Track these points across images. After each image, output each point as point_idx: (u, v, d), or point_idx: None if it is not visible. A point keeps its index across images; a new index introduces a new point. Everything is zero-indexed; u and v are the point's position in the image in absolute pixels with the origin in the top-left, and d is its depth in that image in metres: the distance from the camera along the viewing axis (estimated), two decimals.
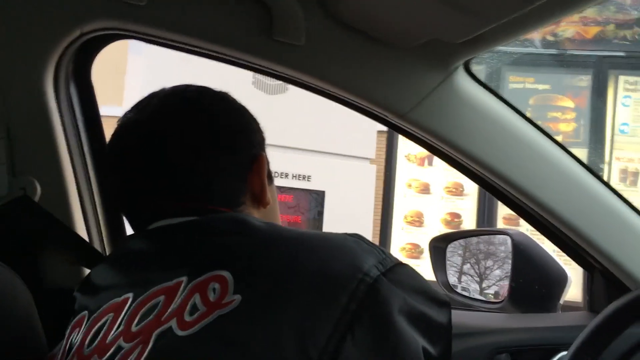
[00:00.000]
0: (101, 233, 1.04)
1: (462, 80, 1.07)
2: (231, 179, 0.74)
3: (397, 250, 4.14)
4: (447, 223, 4.00)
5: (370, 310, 0.59)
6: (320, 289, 0.60)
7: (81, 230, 1.01)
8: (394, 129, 1.12)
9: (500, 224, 3.71)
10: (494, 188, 1.17)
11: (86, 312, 0.70)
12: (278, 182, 3.43)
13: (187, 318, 0.60)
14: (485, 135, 1.09)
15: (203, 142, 0.73)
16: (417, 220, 4.13)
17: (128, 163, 0.74)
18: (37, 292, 0.84)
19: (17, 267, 0.82)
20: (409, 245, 4.09)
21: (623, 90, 3.98)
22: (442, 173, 4.03)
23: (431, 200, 4.15)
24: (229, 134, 0.76)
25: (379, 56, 1.01)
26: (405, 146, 4.03)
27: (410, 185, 4.19)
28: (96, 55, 1.03)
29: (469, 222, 3.93)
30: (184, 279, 0.63)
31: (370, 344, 0.58)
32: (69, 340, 0.69)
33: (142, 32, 0.97)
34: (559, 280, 1.28)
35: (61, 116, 0.99)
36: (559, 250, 1.23)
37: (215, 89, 0.80)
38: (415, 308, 0.62)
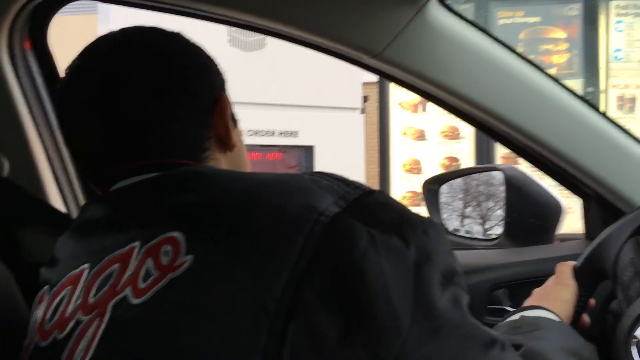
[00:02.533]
0: (78, 201, 1.01)
1: (436, 12, 1.02)
2: (192, 125, 0.68)
3: (398, 198, 4.14)
4: (446, 168, 3.98)
5: (327, 251, 0.55)
6: (274, 237, 0.56)
7: (57, 201, 0.98)
8: (370, 70, 1.09)
9: (500, 163, 3.69)
10: (480, 123, 1.14)
11: (48, 286, 0.68)
12: (265, 140, 3.39)
13: (140, 285, 0.58)
14: (465, 68, 1.05)
15: (158, 87, 0.67)
16: (415, 168, 4.11)
17: (77, 119, 0.69)
18: (18, 268, 0.82)
19: None
20: (409, 193, 4.08)
21: (615, 15, 3.90)
22: (437, 118, 3.98)
23: (428, 147, 4.11)
24: (186, 76, 0.69)
25: None
26: (398, 94, 3.98)
27: (405, 133, 4.15)
28: (49, 20, 0.98)
29: (468, 165, 3.91)
30: (137, 244, 0.60)
31: (329, 286, 0.54)
32: (33, 317, 0.67)
33: None
34: (554, 211, 1.26)
35: (21, 86, 0.95)
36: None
37: (168, 29, 0.73)
38: (382, 240, 0.56)
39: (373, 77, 1.17)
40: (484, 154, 3.84)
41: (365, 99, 4.25)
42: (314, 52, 1.08)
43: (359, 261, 0.55)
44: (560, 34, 3.91)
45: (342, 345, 0.54)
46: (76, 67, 0.70)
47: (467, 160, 4.01)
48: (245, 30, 3.40)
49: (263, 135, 3.41)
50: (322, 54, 1.07)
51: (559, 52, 3.90)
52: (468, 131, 3.95)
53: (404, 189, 4.14)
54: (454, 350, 0.57)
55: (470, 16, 3.88)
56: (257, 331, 0.53)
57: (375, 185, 4.21)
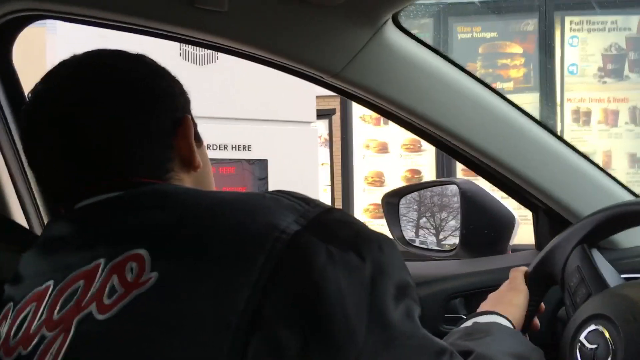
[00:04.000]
0: (42, 218, 1.02)
1: (392, 34, 1.07)
2: (156, 147, 0.70)
3: (361, 211, 4.18)
4: (408, 180, 4.04)
5: (287, 268, 0.57)
6: (236, 254, 0.58)
7: (19, 218, 0.99)
8: (330, 89, 1.12)
9: (460, 176, 3.77)
10: (434, 139, 1.18)
11: (11, 303, 0.68)
12: (218, 154, 3.35)
13: (106, 301, 0.59)
14: (419, 87, 1.09)
15: (120, 109, 0.69)
16: (377, 180, 4.16)
17: (41, 142, 0.70)
18: None
19: None
20: (371, 206, 4.13)
21: (569, 30, 4.03)
22: (399, 131, 4.04)
23: (390, 159, 4.17)
24: (149, 98, 0.71)
25: (305, 16, 1.00)
26: (360, 107, 4.02)
27: (368, 146, 4.20)
28: (14, 39, 1.00)
29: (430, 177, 3.98)
30: (102, 260, 0.61)
31: (290, 302, 0.56)
32: None
33: (58, 10, 0.94)
34: (507, 222, 1.31)
35: None
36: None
37: (131, 52, 0.75)
38: (340, 256, 0.59)
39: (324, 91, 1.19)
40: (444, 167, 3.91)
41: (332, 112, 4.29)
42: (266, 67, 1.10)
43: (318, 277, 0.57)
44: (517, 48, 4.02)
45: (302, 357, 0.56)
46: (39, 90, 0.72)
47: (429, 172, 4.09)
48: None
49: (216, 150, 3.38)
50: (284, 72, 1.11)
51: (516, 67, 4.01)
52: (429, 144, 4.02)
53: (367, 201, 4.19)
54: (407, 359, 0.60)
55: (430, 31, 3.97)
56: (220, 345, 0.55)
57: (338, 197, 4.25)
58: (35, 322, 0.63)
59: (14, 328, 0.65)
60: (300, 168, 3.54)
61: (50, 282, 0.64)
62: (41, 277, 0.66)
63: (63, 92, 0.70)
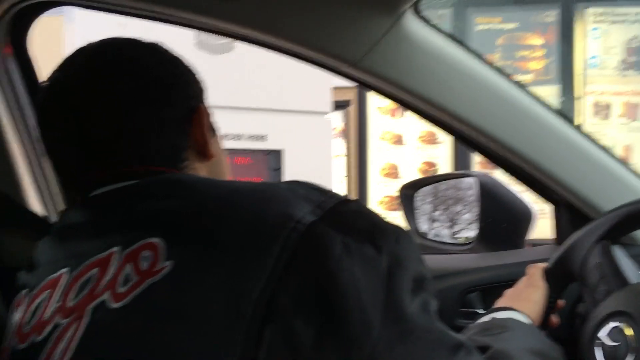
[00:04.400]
0: (57, 206, 1.02)
1: (412, 23, 1.05)
2: (170, 136, 0.70)
3: (376, 203, 4.16)
4: (424, 172, 4.01)
5: (303, 258, 0.57)
6: (251, 244, 0.58)
7: (36, 206, 0.99)
8: (348, 78, 1.11)
9: (476, 169, 3.74)
10: (454, 130, 1.17)
11: (26, 289, 0.69)
12: (232, 144, 3.32)
13: (119, 290, 0.59)
14: (439, 78, 1.08)
15: (135, 98, 0.68)
16: (393, 173, 4.14)
17: (56, 129, 0.70)
18: None
19: None
20: (387, 198, 4.11)
21: (591, 22, 3.97)
22: (415, 123, 4.02)
23: (406, 151, 4.14)
24: (163, 87, 0.70)
25: (324, 4, 0.99)
26: (376, 99, 4.00)
27: (384, 138, 4.18)
28: (30, 25, 0.99)
29: (446, 170, 3.95)
30: (117, 249, 0.61)
31: (304, 292, 0.56)
32: (11, 320, 0.68)
33: None
34: (525, 216, 1.30)
35: (2, 91, 0.96)
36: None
37: (146, 40, 0.74)
38: (356, 248, 0.58)
39: (340, 82, 1.18)
40: (461, 159, 3.88)
41: (347, 103, 4.27)
42: (283, 56, 1.09)
43: (333, 268, 0.57)
44: (537, 40, 3.97)
45: (317, 348, 0.56)
46: (55, 78, 0.72)
47: (445, 165, 4.06)
48: None
49: (231, 139, 3.36)
50: (301, 61, 1.10)
51: (536, 59, 3.96)
52: (445, 136, 3.99)
53: (382, 193, 4.17)
54: (422, 353, 0.59)
55: (448, 22, 3.93)
56: (234, 335, 0.55)
57: (354, 189, 4.24)
58: (49, 309, 0.63)
59: (28, 314, 0.66)
60: (315, 159, 3.51)
61: (65, 270, 0.65)
62: (56, 265, 0.66)
63: (78, 80, 0.70)
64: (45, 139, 0.73)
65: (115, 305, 0.59)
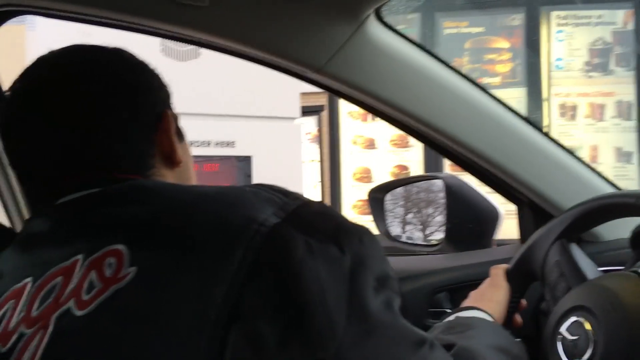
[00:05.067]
0: (22, 216, 1.01)
1: (375, 29, 1.07)
2: (136, 142, 0.70)
3: (349, 207, 4.18)
4: (396, 176, 4.03)
5: (266, 260, 0.58)
6: (215, 247, 0.58)
7: (1, 217, 0.98)
8: (314, 84, 1.12)
9: (448, 172, 3.78)
10: (419, 135, 1.19)
11: None
12: (201, 151, 3.31)
13: (84, 297, 0.58)
14: (403, 83, 1.10)
15: (100, 104, 0.68)
16: (365, 177, 4.15)
17: (21, 139, 0.70)
18: None
19: None
20: (360, 202, 4.13)
21: (556, 25, 4.05)
22: (386, 127, 4.04)
23: (378, 155, 4.17)
24: (128, 92, 0.70)
25: (287, 11, 1.00)
26: (348, 103, 4.01)
27: (355, 142, 4.19)
28: None
29: (418, 173, 3.98)
30: (81, 256, 0.61)
31: (268, 293, 0.57)
32: None
33: (39, 6, 0.93)
34: (492, 217, 1.32)
35: None
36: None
37: (109, 46, 0.74)
38: (319, 249, 0.59)
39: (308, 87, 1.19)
40: (432, 162, 3.91)
41: (320, 108, 4.28)
42: (249, 62, 1.10)
43: (297, 269, 0.57)
44: (504, 43, 4.03)
45: (281, 348, 0.56)
46: (17, 88, 0.71)
47: (417, 168, 4.09)
48: None
49: (199, 146, 3.34)
50: (267, 68, 1.10)
51: (503, 62, 4.02)
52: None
53: (355, 197, 4.19)
54: (386, 349, 0.60)
55: (416, 26, 3.97)
56: (198, 337, 0.55)
57: (327, 193, 4.25)
58: (14, 319, 0.63)
59: None
60: (285, 164, 3.51)
61: (29, 279, 0.64)
62: (20, 274, 0.65)
63: (41, 88, 0.70)
64: (9, 149, 0.73)
65: (80, 312, 0.58)
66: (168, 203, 0.64)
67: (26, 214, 1.03)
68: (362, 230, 0.64)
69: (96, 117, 0.68)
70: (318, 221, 0.62)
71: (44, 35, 2.77)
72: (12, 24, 1.00)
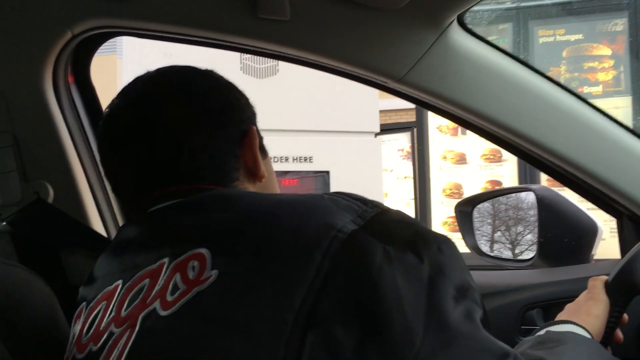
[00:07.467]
0: (118, 225, 1.07)
1: (458, 35, 1.04)
2: (222, 157, 0.74)
3: (439, 224, 4.08)
4: None
5: (344, 266, 0.58)
6: (293, 253, 0.59)
7: (97, 226, 1.04)
8: (395, 94, 1.11)
9: (532, 184, 3.61)
10: (507, 144, 1.14)
11: (85, 302, 0.73)
12: (279, 166, 3.37)
13: (168, 298, 0.61)
14: (488, 90, 1.06)
15: (190, 122, 0.73)
16: (456, 192, 4.06)
17: (116, 154, 0.75)
18: (62, 291, 0.87)
19: (39, 268, 0.86)
20: (450, 218, 4.03)
21: None
22: (478, 141, 3.94)
23: (469, 170, 4.06)
24: (217, 111, 0.75)
25: (368, 21, 1.00)
26: (436, 117, 3.95)
27: (445, 157, 4.11)
28: (92, 55, 1.06)
29: None
30: (166, 260, 0.64)
31: (346, 299, 0.57)
32: (72, 332, 0.72)
33: (130, 27, 0.99)
34: (589, 230, 1.25)
35: (64, 118, 1.02)
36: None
37: (200, 67, 0.79)
38: (397, 256, 0.59)
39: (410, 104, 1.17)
40: (526, 176, 3.76)
41: (413, 124, 4.24)
42: (328, 76, 1.11)
43: (375, 276, 0.57)
44: (605, 50, 3.83)
45: (358, 355, 0.56)
46: (115, 105, 0.77)
47: (510, 183, 3.95)
48: (257, 57, 3.43)
49: (277, 162, 3.41)
50: (348, 79, 1.11)
51: (604, 70, 3.81)
52: (510, 154, 3.88)
53: (445, 214, 4.10)
54: None
55: (509, 35, 3.85)
56: (276, 342, 0.56)
57: (417, 210, 4.19)
58: (105, 319, 0.67)
59: (87, 326, 0.69)
60: (363, 179, 3.51)
61: (119, 282, 0.68)
62: (111, 277, 0.70)
63: (137, 107, 0.75)
64: (106, 163, 0.78)
65: (165, 312, 0.61)
66: (248, 210, 0.66)
67: (121, 223, 1.09)
68: (441, 239, 0.63)
69: (187, 133, 0.73)
70: (396, 229, 0.62)
71: (131, 60, 2.98)
72: (104, 54, 1.07)
